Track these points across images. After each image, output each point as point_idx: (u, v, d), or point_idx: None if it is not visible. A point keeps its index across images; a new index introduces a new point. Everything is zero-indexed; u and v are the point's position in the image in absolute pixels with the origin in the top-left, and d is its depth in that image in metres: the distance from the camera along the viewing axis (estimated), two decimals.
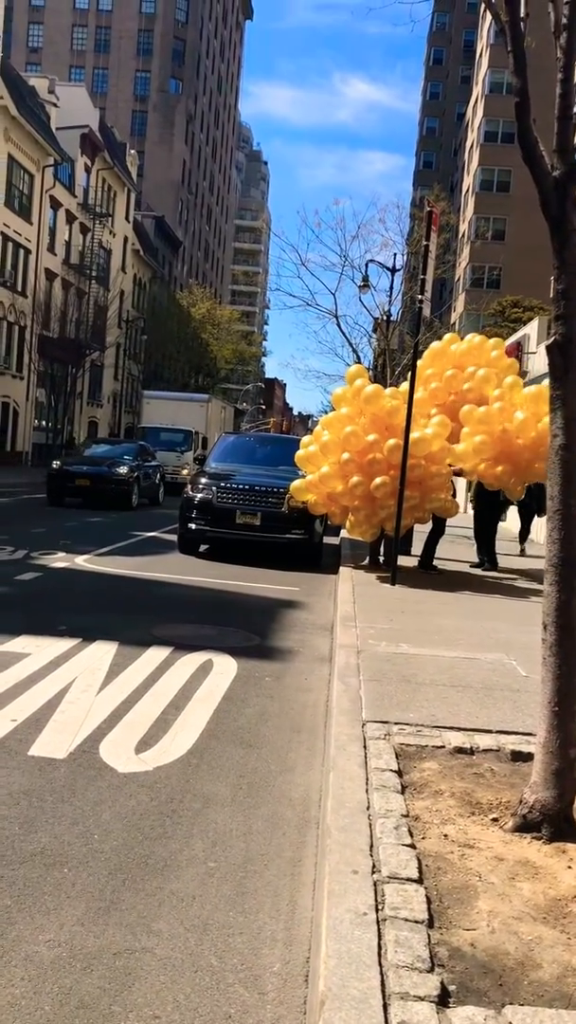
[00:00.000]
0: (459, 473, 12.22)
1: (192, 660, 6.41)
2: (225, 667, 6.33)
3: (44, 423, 43.12)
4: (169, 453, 30.04)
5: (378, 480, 10.64)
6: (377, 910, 2.77)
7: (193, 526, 12.85)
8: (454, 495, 12.15)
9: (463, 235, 57.24)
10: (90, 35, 77.42)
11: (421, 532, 12.87)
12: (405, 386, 11.54)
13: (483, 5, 59.17)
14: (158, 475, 24.54)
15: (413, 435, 10.64)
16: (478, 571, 12.77)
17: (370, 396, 11.22)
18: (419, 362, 11.87)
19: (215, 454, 15.32)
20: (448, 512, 11.77)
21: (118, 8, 76.98)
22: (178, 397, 37.68)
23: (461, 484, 15.24)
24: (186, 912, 2.97)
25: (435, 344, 13.20)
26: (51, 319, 41.44)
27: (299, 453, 11.88)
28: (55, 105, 44.29)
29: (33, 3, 76.98)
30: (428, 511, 11.44)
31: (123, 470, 21.17)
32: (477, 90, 60.29)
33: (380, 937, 2.62)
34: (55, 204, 43.16)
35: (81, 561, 11.27)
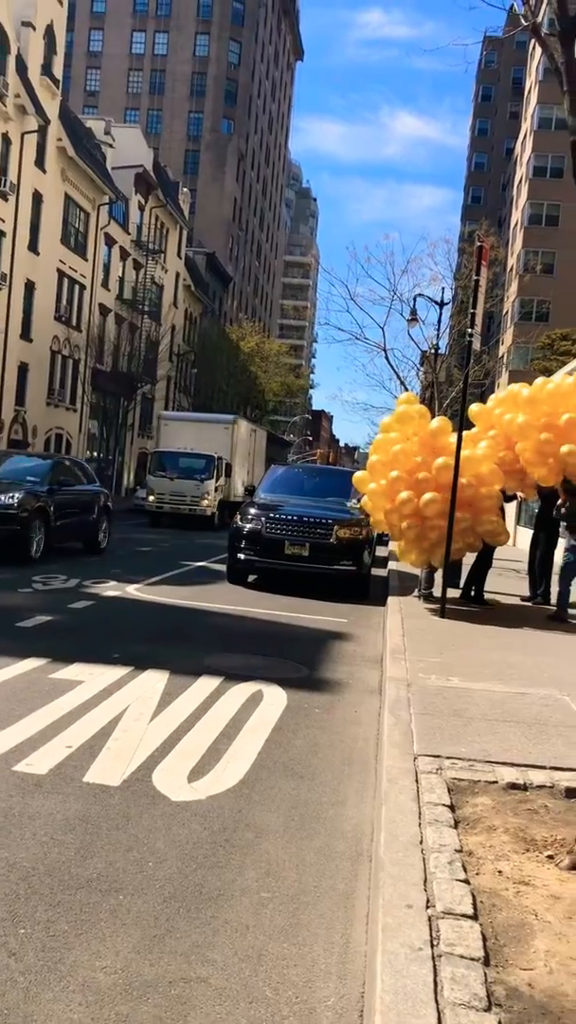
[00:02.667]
0: (510, 498, 12.16)
1: (242, 690, 6.43)
2: (275, 698, 6.34)
3: (96, 454, 43.80)
4: (187, 481, 27.41)
5: (427, 496, 10.64)
6: (432, 946, 2.75)
7: (242, 556, 12.93)
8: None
9: (511, 269, 57.23)
10: (145, 78, 79.56)
11: (468, 562, 12.76)
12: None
13: (532, 43, 59.61)
14: (98, 505, 16.32)
15: (464, 453, 10.68)
16: (530, 604, 12.60)
17: (414, 417, 11.34)
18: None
19: (264, 485, 15.44)
20: (498, 538, 11.63)
21: (172, 52, 79.09)
22: (200, 418, 33.90)
23: (510, 513, 15.08)
24: (240, 942, 2.97)
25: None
26: (104, 353, 42.25)
27: (356, 475, 11.99)
28: (111, 146, 45.53)
29: (91, 49, 79.45)
30: (479, 535, 11.34)
31: (12, 499, 13.00)
32: (526, 126, 60.55)
33: (436, 973, 2.59)
34: (109, 241, 44.19)
35: (132, 590, 11.39)
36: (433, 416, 22.98)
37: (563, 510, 11.33)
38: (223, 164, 78.11)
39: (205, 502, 27.26)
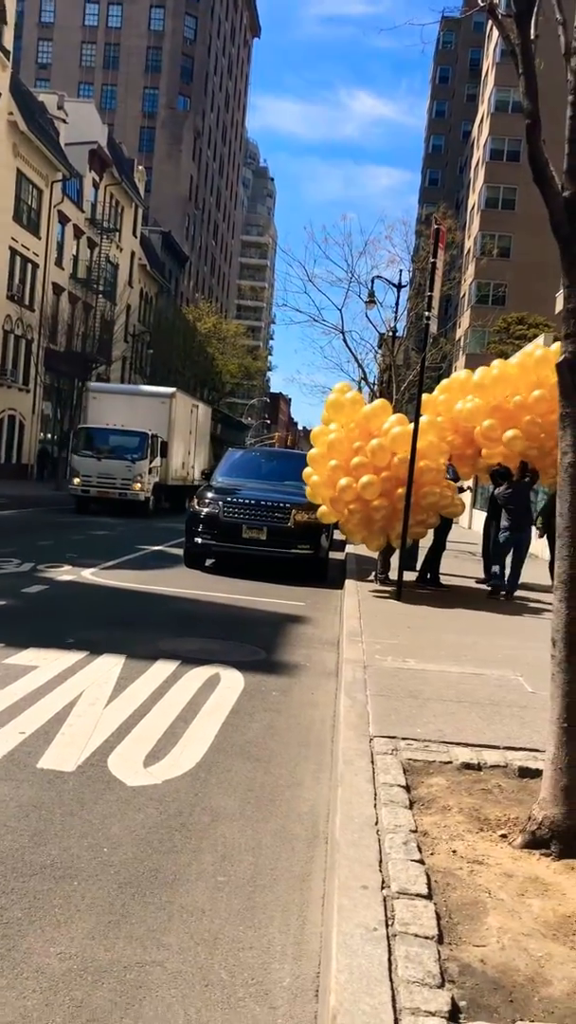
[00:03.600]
0: (460, 491, 12.31)
1: (199, 674, 6.42)
2: (232, 681, 6.34)
3: (49, 435, 43.23)
4: (117, 462, 24.22)
5: (365, 479, 10.70)
6: (387, 925, 2.77)
7: (199, 540, 12.88)
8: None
9: (468, 252, 57.48)
10: (99, 52, 78.09)
11: (424, 546, 12.87)
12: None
13: (489, 25, 59.55)
14: None
15: (395, 430, 10.92)
16: (483, 587, 12.75)
17: (347, 404, 11.44)
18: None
19: (222, 468, 15.38)
20: (452, 510, 11.75)
21: (127, 25, 77.69)
22: (133, 391, 30.83)
23: (467, 497, 15.21)
24: (196, 926, 2.98)
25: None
26: (58, 333, 41.61)
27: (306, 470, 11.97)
28: (64, 121, 44.64)
29: (43, 20, 77.70)
30: (427, 509, 11.40)
31: None
32: (483, 108, 60.66)
33: (390, 952, 2.62)
34: (63, 219, 43.43)
35: (87, 574, 11.29)
36: (392, 399, 23.09)
37: (501, 492, 11.81)
38: (179, 142, 77.13)
39: (138, 485, 24.32)
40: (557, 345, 13.09)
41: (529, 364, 12.44)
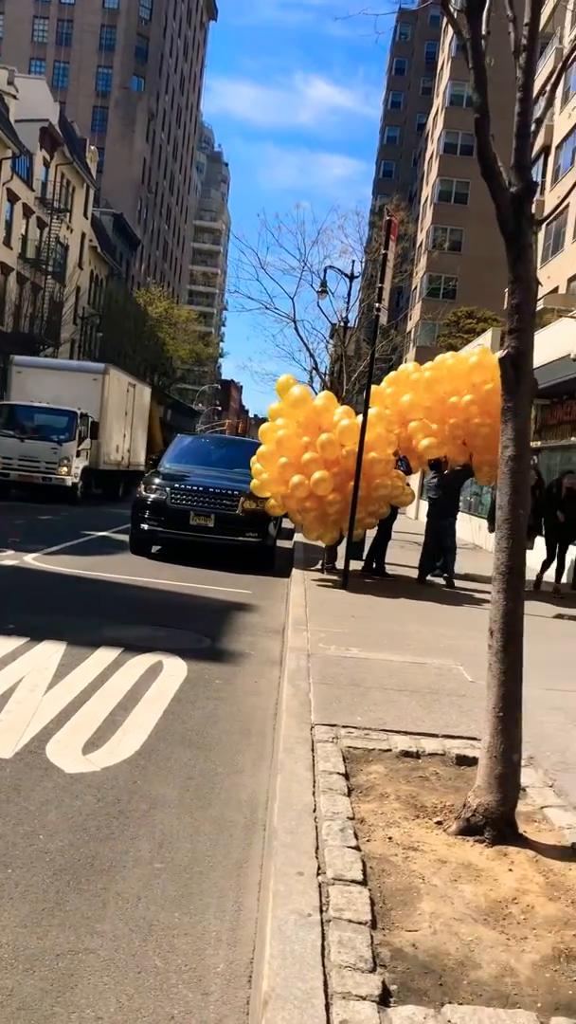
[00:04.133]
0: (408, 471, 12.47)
1: (142, 662, 6.38)
2: (175, 669, 6.32)
3: None
4: (41, 443, 22.14)
5: (316, 475, 10.74)
6: (321, 911, 2.80)
7: (145, 527, 12.79)
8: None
9: (420, 245, 57.77)
10: (51, 27, 76.52)
11: (372, 536, 12.96)
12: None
13: (445, 19, 60.15)
14: None
15: (343, 423, 10.99)
16: (431, 578, 12.87)
17: (297, 400, 11.37)
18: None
19: (170, 455, 15.26)
20: (400, 499, 11.91)
21: (81, 2, 76.25)
22: (62, 366, 28.42)
23: (414, 486, 15.36)
24: (131, 913, 2.97)
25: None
26: (4, 313, 40.88)
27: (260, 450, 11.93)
28: (14, 97, 43.71)
29: None
30: (379, 500, 11.50)
31: None
32: (438, 102, 60.91)
33: (324, 938, 2.65)
34: (12, 197, 42.58)
35: (30, 560, 11.14)
36: (343, 390, 23.14)
37: (427, 480, 12.38)
38: (132, 123, 76.05)
39: (64, 469, 22.22)
40: (480, 348, 13.36)
41: (462, 370, 12.56)
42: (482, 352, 13.01)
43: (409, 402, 12.64)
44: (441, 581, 12.53)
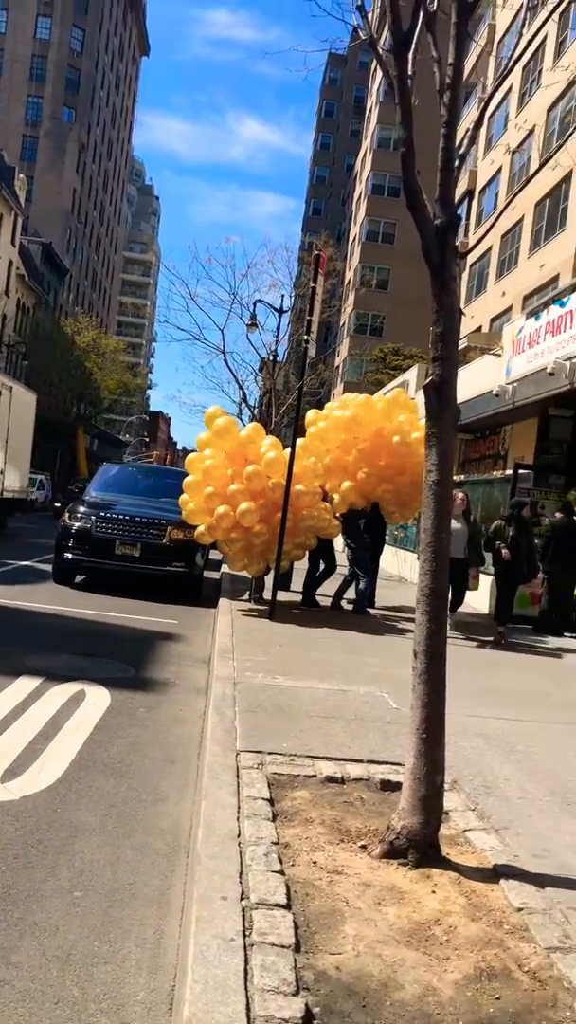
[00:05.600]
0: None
1: (64, 691, 6.25)
2: (98, 698, 6.21)
3: None
4: None
5: (243, 507, 10.73)
6: (245, 936, 2.77)
7: (69, 556, 12.57)
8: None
9: (349, 282, 58.82)
10: None
11: (299, 567, 13.00)
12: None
13: (374, 64, 61.40)
14: None
15: (269, 454, 11.04)
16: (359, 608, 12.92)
17: (223, 431, 11.40)
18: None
19: (96, 483, 15.08)
20: (328, 531, 11.93)
21: (11, 31, 76.06)
22: None
23: None
24: (48, 943, 2.88)
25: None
26: None
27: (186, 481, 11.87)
28: None
29: None
30: (305, 532, 11.53)
31: None
32: (366, 144, 62.42)
33: (247, 962, 2.62)
34: None
35: None
36: (272, 422, 23.27)
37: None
38: (63, 153, 75.84)
39: None
40: (393, 393, 13.66)
41: (367, 417, 12.81)
42: (394, 398, 13.29)
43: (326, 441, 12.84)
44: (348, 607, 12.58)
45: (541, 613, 12.83)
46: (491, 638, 10.99)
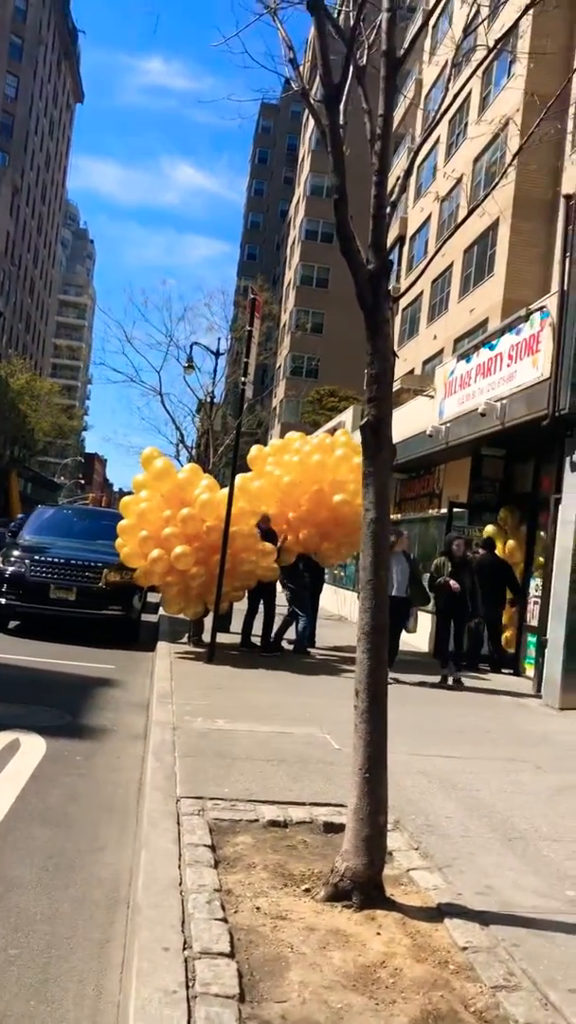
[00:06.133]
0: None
1: None
2: (33, 746, 6.05)
3: None
4: None
5: (178, 550, 10.63)
6: (187, 987, 2.70)
7: (2, 600, 12.29)
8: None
9: (284, 326, 59.55)
10: None
11: (239, 608, 12.93)
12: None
13: (306, 114, 62.88)
14: None
15: (203, 496, 10.98)
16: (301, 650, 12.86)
17: (160, 472, 11.35)
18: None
19: (30, 526, 14.82)
20: (269, 576, 11.77)
21: None
22: None
23: None
24: None
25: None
26: None
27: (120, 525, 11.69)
28: None
29: None
30: (244, 575, 11.44)
31: None
32: (299, 191, 63.69)
33: (190, 1015, 2.55)
34: None
35: None
36: (209, 463, 23.27)
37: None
38: None
39: None
40: (337, 438, 13.79)
41: (305, 480, 12.88)
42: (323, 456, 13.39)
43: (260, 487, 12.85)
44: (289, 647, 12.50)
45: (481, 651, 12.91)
46: (436, 678, 10.99)
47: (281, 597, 12.84)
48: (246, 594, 12.21)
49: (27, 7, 79.20)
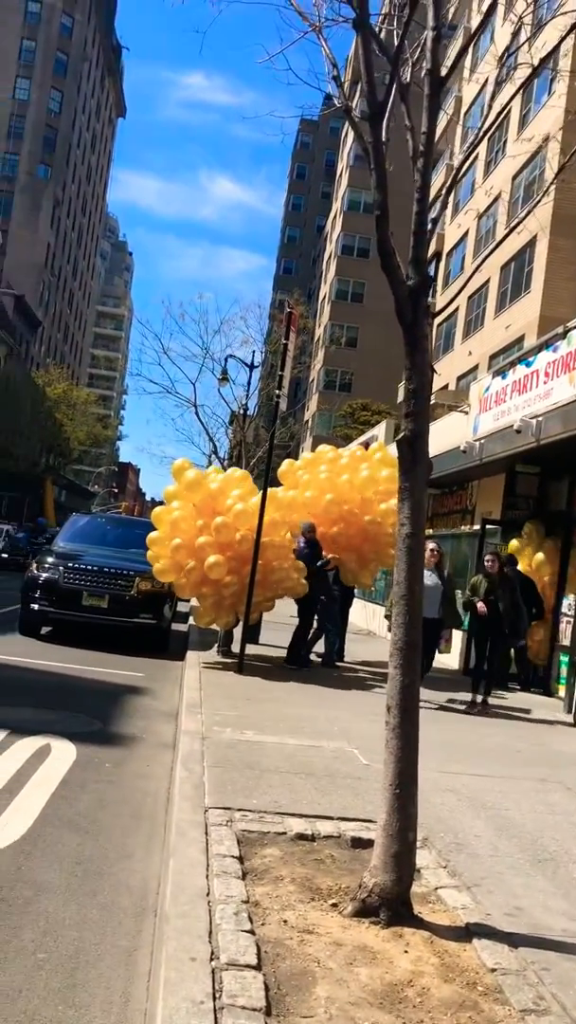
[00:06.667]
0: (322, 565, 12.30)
1: (28, 744, 6.13)
2: (64, 752, 6.09)
3: None
4: None
5: (211, 560, 10.65)
6: (215, 998, 2.70)
7: (36, 607, 12.40)
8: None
9: (318, 339, 59.69)
10: None
11: (268, 621, 12.93)
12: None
13: (344, 130, 63.01)
14: None
15: (237, 506, 10.96)
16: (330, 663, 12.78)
17: (192, 483, 11.39)
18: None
19: (64, 534, 14.96)
20: (294, 590, 11.68)
21: None
22: None
23: None
24: (11, 1008, 2.78)
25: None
26: None
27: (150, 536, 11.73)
28: None
29: None
30: (274, 585, 11.43)
31: None
32: (336, 206, 63.92)
33: None
34: None
35: None
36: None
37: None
38: (38, 208, 76.87)
39: None
40: (374, 455, 13.76)
41: (339, 498, 12.87)
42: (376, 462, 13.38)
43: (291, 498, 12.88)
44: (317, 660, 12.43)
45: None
46: (465, 701, 10.55)
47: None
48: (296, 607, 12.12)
49: (73, 24, 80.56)
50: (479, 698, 10.23)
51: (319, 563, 11.82)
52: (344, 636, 13.31)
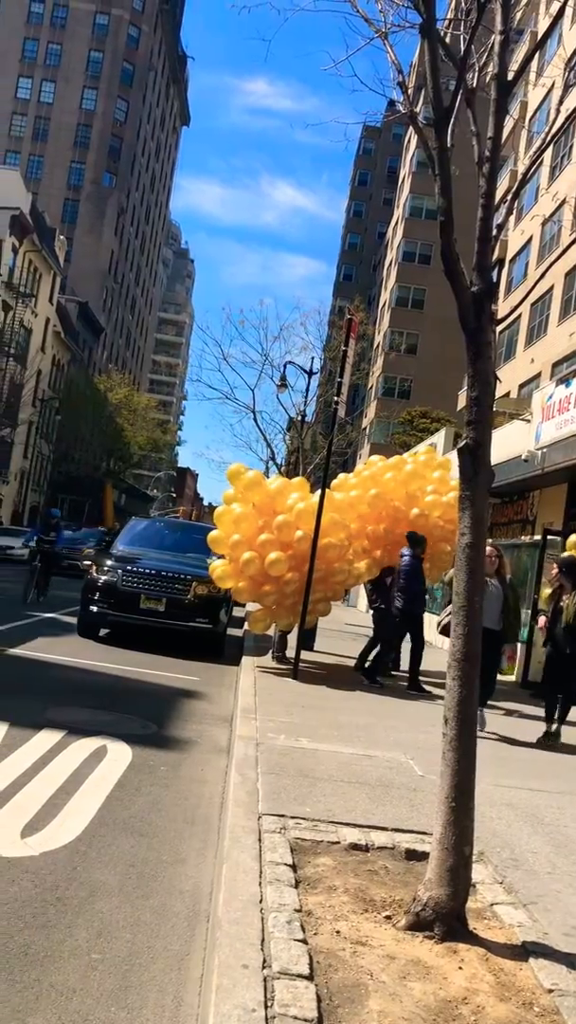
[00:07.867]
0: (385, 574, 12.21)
1: (85, 745, 6.21)
2: (119, 754, 6.15)
3: None
4: None
5: (272, 556, 10.70)
6: (266, 1007, 2.69)
7: (95, 608, 12.58)
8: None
9: (378, 346, 59.55)
10: (29, 123, 79.29)
11: (323, 628, 12.90)
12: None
13: (407, 136, 62.78)
14: None
15: (299, 505, 11.07)
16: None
17: (251, 483, 11.48)
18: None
19: (123, 537, 15.16)
20: (359, 579, 11.85)
21: (59, 101, 79.31)
22: None
23: None
24: (65, 1007, 2.81)
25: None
26: None
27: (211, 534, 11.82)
28: None
29: None
30: (335, 585, 11.46)
31: None
32: (398, 213, 63.74)
33: None
34: None
35: None
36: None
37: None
38: (102, 216, 78.26)
39: None
40: (423, 457, 13.70)
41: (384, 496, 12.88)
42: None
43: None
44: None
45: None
46: (522, 707, 10.41)
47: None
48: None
49: (139, 35, 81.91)
50: (554, 727, 8.86)
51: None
52: (399, 645, 13.20)
